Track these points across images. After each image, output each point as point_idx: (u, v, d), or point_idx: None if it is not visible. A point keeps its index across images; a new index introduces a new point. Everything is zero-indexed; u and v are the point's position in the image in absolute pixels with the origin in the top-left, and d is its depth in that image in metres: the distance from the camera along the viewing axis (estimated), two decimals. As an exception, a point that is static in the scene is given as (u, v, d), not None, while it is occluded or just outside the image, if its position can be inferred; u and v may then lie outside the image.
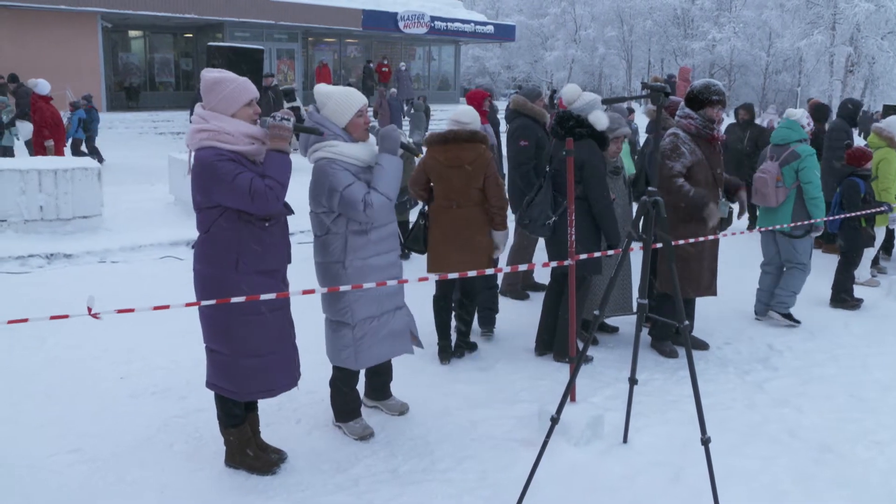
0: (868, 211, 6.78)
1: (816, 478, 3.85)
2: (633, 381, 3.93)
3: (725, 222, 5.76)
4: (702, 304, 5.85)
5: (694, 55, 45.93)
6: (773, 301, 6.40)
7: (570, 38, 51.41)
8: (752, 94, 46.40)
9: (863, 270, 7.56)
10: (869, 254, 7.67)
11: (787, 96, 44.31)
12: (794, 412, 4.64)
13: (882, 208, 7.01)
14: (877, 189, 7.44)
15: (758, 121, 11.11)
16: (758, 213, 6.55)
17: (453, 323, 5.44)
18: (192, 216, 3.87)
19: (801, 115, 6.38)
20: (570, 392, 3.59)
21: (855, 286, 7.11)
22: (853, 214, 6.70)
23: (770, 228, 6.24)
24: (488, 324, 5.89)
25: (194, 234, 3.66)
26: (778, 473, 3.88)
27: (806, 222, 6.11)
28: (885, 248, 8.80)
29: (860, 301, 6.99)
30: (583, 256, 4.62)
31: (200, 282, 3.52)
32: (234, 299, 3.38)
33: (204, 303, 3.45)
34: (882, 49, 40.79)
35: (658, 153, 3.50)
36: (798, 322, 6.35)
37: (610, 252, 5.02)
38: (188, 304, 3.48)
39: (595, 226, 5.12)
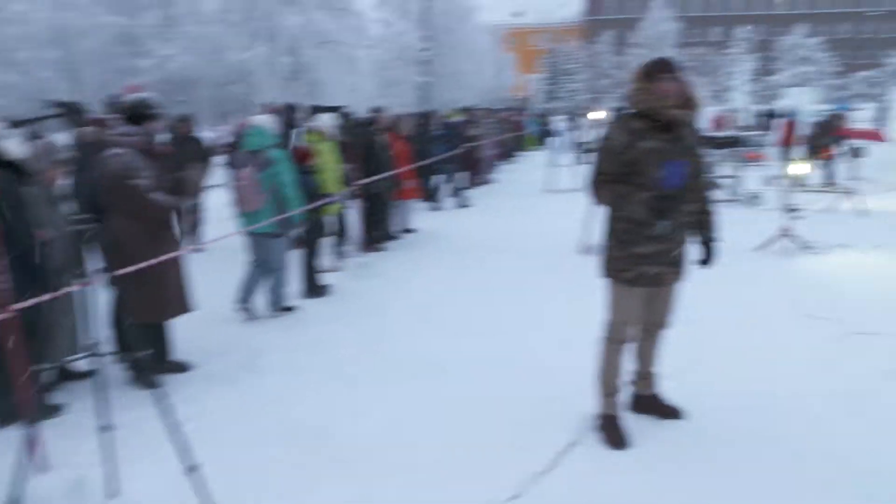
0: (319, 203, 7.33)
1: (314, 463, 3.99)
2: (107, 427, 3.53)
3: None
4: (176, 321, 5.54)
5: (144, 73, 44.90)
6: (265, 304, 6.76)
7: (2, 61, 45.73)
8: (207, 106, 47.32)
9: (325, 258, 8.16)
10: (327, 242, 8.31)
11: (241, 106, 46.24)
12: (286, 407, 4.74)
13: (333, 199, 7.68)
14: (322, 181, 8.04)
15: (209, 133, 11.21)
16: (238, 217, 6.56)
17: None
18: None
19: (265, 121, 6.63)
20: (34, 460, 3.06)
21: (321, 274, 7.66)
22: (307, 208, 7.13)
23: (251, 230, 6.41)
24: None
25: None
26: (280, 471, 3.91)
27: (281, 217, 6.38)
28: (340, 234, 9.67)
29: (329, 286, 7.56)
30: (31, 302, 3.96)
31: None
32: None
33: None
34: (319, 58, 45.22)
35: (109, 176, 3.16)
36: (293, 308, 6.88)
37: (54, 293, 4.38)
38: None
39: (24, 267, 4.42)
